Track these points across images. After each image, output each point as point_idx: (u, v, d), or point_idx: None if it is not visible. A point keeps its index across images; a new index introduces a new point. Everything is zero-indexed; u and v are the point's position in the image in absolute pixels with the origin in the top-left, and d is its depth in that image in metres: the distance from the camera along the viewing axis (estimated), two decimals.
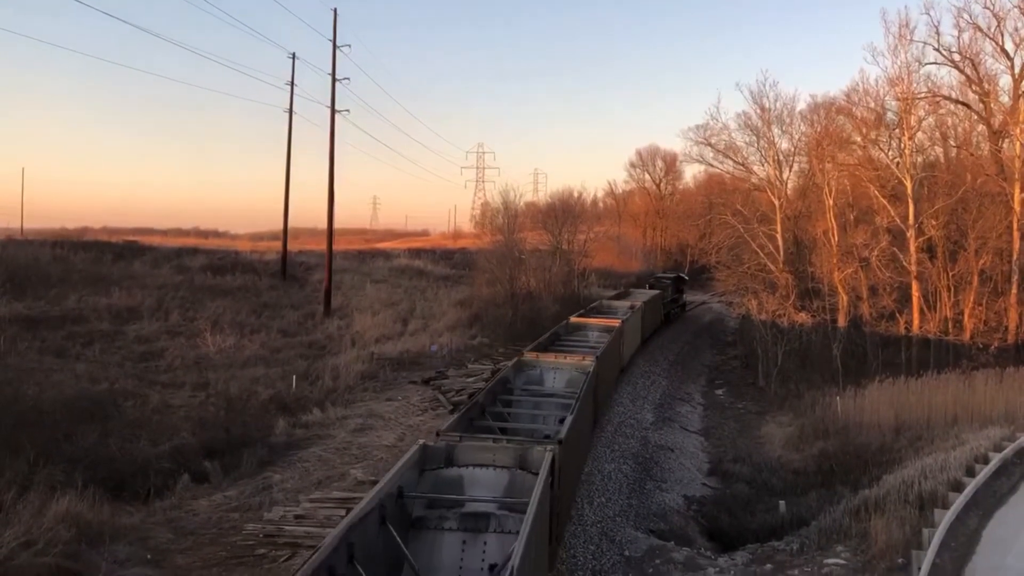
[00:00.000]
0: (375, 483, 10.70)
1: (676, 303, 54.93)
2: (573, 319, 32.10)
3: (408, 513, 10.79)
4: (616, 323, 30.68)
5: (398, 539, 9.80)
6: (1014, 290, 34.73)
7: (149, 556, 14.60)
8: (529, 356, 21.93)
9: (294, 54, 50.25)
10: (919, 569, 13.94)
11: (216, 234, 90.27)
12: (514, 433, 15.59)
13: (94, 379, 26.11)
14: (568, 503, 15.42)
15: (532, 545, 8.94)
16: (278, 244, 54.47)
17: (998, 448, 21.08)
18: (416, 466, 11.51)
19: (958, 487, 18.22)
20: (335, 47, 44.02)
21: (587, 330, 30.63)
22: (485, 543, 10.57)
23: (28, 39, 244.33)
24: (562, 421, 15.31)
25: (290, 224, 52.95)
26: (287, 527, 15.97)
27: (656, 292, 48.10)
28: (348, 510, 12.21)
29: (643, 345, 40.36)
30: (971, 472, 19.28)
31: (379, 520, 9.62)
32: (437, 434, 12.45)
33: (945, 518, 16.06)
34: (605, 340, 27.18)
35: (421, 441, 11.81)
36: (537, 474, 10.86)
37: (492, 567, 10.09)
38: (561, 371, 21.13)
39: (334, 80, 44.26)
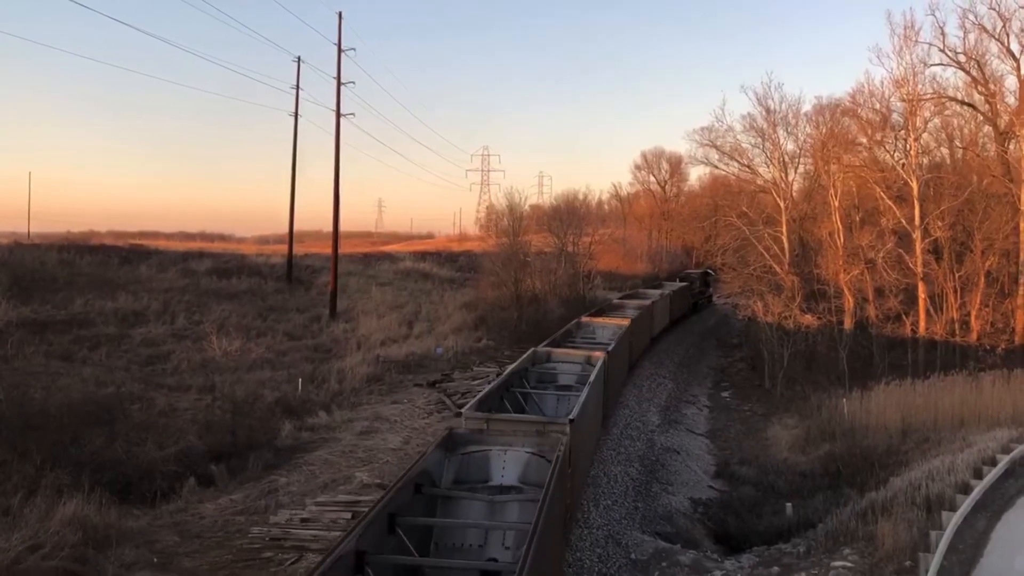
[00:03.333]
0: (381, 486, 11.21)
1: (703, 295, 62.07)
2: (616, 299, 43.39)
3: (438, 489, 11.92)
4: (648, 303, 41.08)
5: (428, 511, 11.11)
6: (1021, 291, 34.66)
7: (156, 559, 14.61)
8: (586, 319, 32.85)
9: (299, 58, 50.43)
10: (926, 572, 13.89)
11: (222, 237, 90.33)
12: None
13: (100, 383, 26.15)
14: (583, 472, 16.93)
15: (551, 513, 9.72)
16: (284, 247, 54.52)
17: (1006, 450, 21.01)
18: (443, 447, 12.63)
19: (966, 489, 18.16)
20: (340, 51, 44.12)
21: (625, 308, 39.52)
22: (506, 516, 11.46)
23: (36, 44, 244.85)
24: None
25: (296, 227, 53.07)
26: (293, 530, 15.97)
27: (684, 284, 57.62)
28: (354, 513, 12.46)
29: (672, 325, 49.28)
30: (979, 474, 19.21)
31: (413, 493, 10.74)
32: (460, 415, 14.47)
33: (952, 520, 15.99)
34: (637, 313, 36.73)
35: (449, 427, 13.26)
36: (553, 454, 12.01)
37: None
38: (608, 328, 31.60)
39: (339, 84, 44.37)
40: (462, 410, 15.18)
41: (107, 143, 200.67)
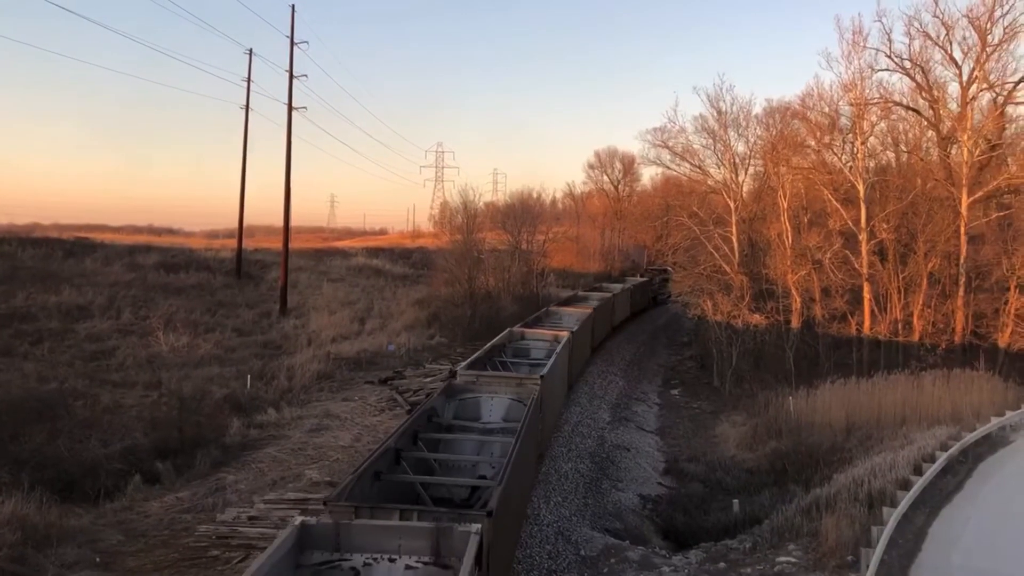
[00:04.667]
0: (332, 484, 11.82)
1: (663, 291, 63.90)
2: (581, 292, 46.88)
3: (440, 426, 15.78)
4: (608, 295, 44.91)
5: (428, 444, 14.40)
6: (961, 292, 35.48)
7: (98, 559, 14.35)
8: (554, 308, 37.32)
9: (251, 50, 49.88)
10: (867, 566, 14.21)
11: (170, 231, 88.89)
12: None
13: (43, 378, 25.61)
14: (551, 422, 22.09)
15: (526, 444, 13.49)
16: (233, 242, 53.81)
17: (944, 447, 21.56)
18: (445, 393, 17.23)
19: (906, 486, 18.60)
20: (292, 44, 43.70)
21: (590, 299, 42.51)
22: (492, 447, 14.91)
23: None
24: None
25: (246, 222, 52.48)
26: (241, 528, 15.81)
27: (645, 280, 61.64)
28: (303, 511, 12.38)
29: (632, 316, 53.82)
30: (919, 471, 19.69)
31: (427, 421, 14.92)
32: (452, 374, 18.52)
33: (893, 516, 16.38)
34: (599, 303, 40.75)
35: (447, 376, 17.88)
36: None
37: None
38: (573, 315, 34.95)
39: (291, 77, 43.90)
40: (457, 368, 19.00)
41: (50, 134, 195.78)
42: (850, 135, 39.80)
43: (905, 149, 43.02)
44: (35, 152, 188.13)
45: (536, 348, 27.02)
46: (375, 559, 9.08)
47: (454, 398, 17.27)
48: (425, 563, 9.04)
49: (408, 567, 9.02)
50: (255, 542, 15.05)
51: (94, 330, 34.23)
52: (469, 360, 21.01)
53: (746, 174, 46.31)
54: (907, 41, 38.99)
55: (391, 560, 9.06)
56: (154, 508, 17.30)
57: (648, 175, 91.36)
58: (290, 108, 43.89)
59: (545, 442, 21.10)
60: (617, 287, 51.65)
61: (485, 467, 14.17)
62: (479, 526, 9.06)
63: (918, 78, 39.15)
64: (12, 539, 13.81)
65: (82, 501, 17.50)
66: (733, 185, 43.80)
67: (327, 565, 9.02)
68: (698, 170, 46.95)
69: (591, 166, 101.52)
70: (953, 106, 39.33)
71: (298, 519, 9.16)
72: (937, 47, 38.23)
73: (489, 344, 24.88)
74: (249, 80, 49.65)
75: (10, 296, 36.36)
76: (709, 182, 46.03)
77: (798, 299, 38.23)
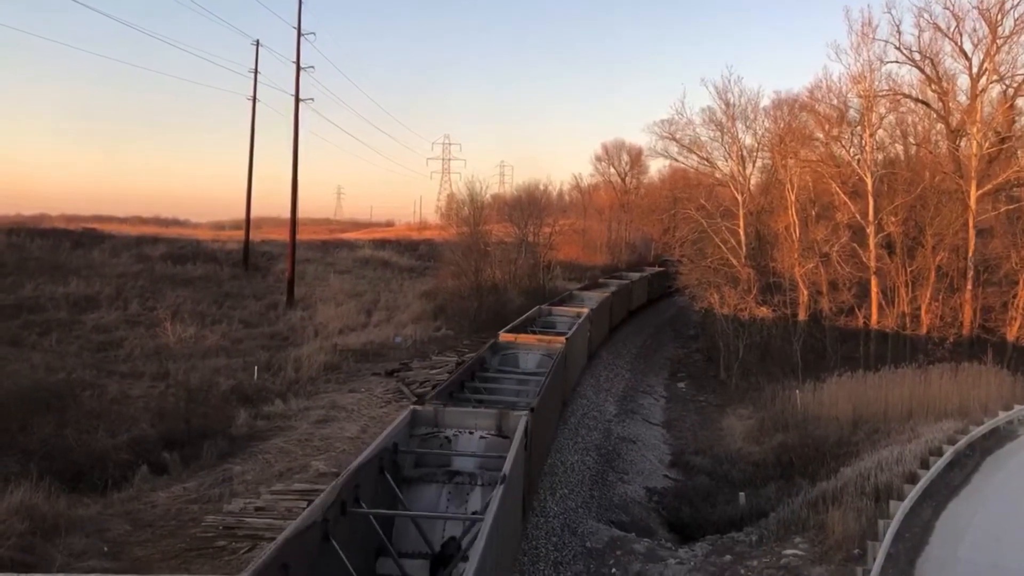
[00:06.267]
0: (337, 475, 11.12)
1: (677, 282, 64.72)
2: (601, 279, 51.58)
3: (487, 371, 16.67)
4: (626, 282, 50.63)
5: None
6: (969, 286, 35.36)
7: (106, 548, 14.41)
8: (577, 291, 42.18)
9: (258, 41, 49.88)
10: (874, 559, 14.19)
11: (177, 223, 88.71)
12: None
13: (51, 369, 25.69)
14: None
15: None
16: (240, 233, 53.87)
17: (952, 441, 21.51)
18: (490, 349, 19.57)
19: (913, 479, 18.57)
20: (299, 34, 43.69)
21: (608, 285, 47.50)
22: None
23: None
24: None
25: (253, 213, 52.50)
26: (247, 519, 15.85)
27: (662, 269, 63.14)
28: (309, 502, 12.41)
29: (648, 303, 57.77)
30: (926, 464, 19.65)
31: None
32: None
33: (900, 509, 16.36)
34: (617, 287, 46.52)
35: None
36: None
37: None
38: (593, 298, 38.84)
39: (298, 68, 43.91)
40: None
41: (59, 125, 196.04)
42: (858, 128, 39.67)
43: (914, 142, 42.86)
44: (43, 144, 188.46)
45: (561, 322, 31.52)
46: (459, 432, 13.33)
47: (497, 353, 22.81)
48: (492, 435, 13.28)
49: (481, 436, 13.28)
50: (261, 532, 15.09)
51: (102, 321, 34.32)
52: (508, 327, 25.78)
53: (754, 167, 46.21)
54: (916, 33, 38.87)
55: (470, 433, 13.33)
56: (161, 498, 17.36)
57: (655, 167, 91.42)
58: (297, 99, 43.93)
59: (567, 393, 25.79)
60: (635, 275, 56.67)
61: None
62: (526, 413, 13.45)
63: (927, 70, 38.96)
64: (21, 528, 13.88)
65: (90, 491, 17.57)
66: (740, 178, 43.68)
67: (430, 434, 13.33)
68: (705, 162, 46.87)
69: (598, 158, 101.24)
70: (963, 98, 39.16)
71: (410, 407, 13.71)
72: (947, 39, 38.03)
73: (522, 317, 29.79)
74: (256, 71, 49.66)
75: (18, 287, 36.47)
76: (716, 175, 45.94)
77: (805, 292, 38.15)
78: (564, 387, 23.99)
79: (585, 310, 32.38)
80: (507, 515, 11.07)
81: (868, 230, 36.63)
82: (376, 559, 10.58)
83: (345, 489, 9.69)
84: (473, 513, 11.41)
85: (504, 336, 24.04)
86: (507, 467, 10.80)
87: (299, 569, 7.74)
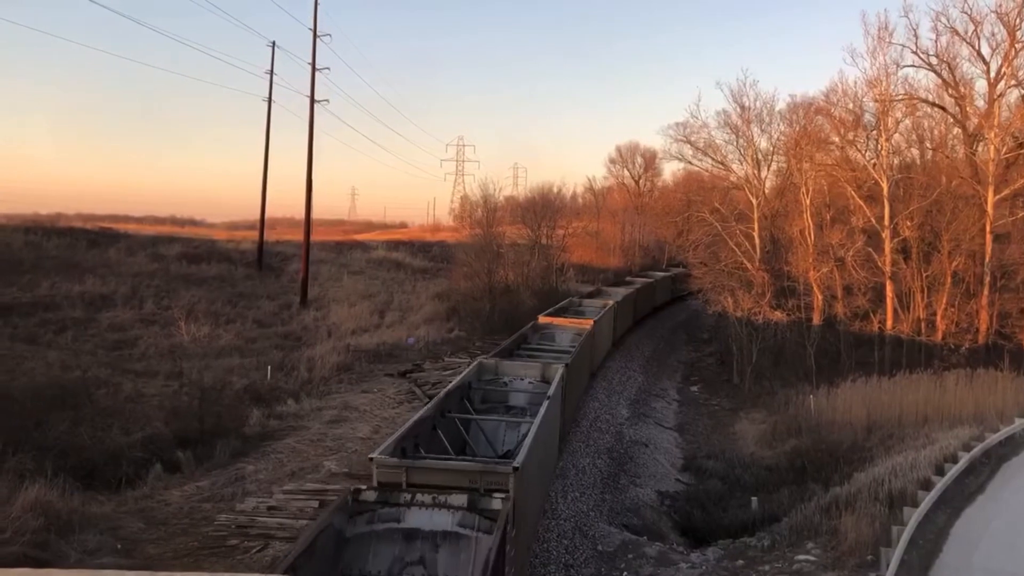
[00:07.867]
0: (350, 475, 11.88)
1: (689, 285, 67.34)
2: (628, 278, 57.01)
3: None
4: (650, 280, 56.35)
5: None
6: (985, 292, 35.09)
7: (119, 546, 14.48)
8: (605, 288, 47.53)
9: (274, 43, 50.02)
10: (887, 566, 14.11)
11: (192, 222, 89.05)
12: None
13: (66, 367, 25.85)
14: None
15: (584, 348, 23.78)
16: (255, 234, 54.04)
17: (967, 448, 21.36)
18: (532, 328, 26.73)
19: (927, 486, 18.45)
20: (315, 36, 43.80)
21: (634, 283, 52.56)
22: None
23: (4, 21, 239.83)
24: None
25: (267, 214, 52.68)
26: (260, 518, 15.91)
27: (684, 270, 63.43)
28: (321, 501, 12.48)
29: (671, 301, 61.98)
30: (940, 471, 19.52)
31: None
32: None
33: (914, 516, 16.25)
34: (643, 284, 52.27)
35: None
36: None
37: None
38: (618, 293, 44.16)
39: (314, 69, 44.05)
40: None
41: (76, 124, 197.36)
42: (874, 132, 39.45)
43: (930, 146, 42.58)
44: (59, 143, 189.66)
45: (590, 310, 35.67)
46: (513, 379, 18.75)
47: (537, 332, 28.64)
48: (537, 381, 18.45)
49: (530, 382, 18.56)
50: (274, 532, 15.15)
51: (117, 320, 34.53)
52: (546, 311, 32.18)
53: (769, 170, 46.05)
54: (934, 37, 38.54)
55: (521, 379, 18.65)
56: (174, 497, 17.44)
57: (669, 170, 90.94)
58: (312, 101, 44.07)
59: (595, 367, 31.20)
60: (659, 274, 62.42)
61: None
62: (563, 365, 18.79)
63: (944, 74, 38.72)
64: (35, 525, 13.95)
65: (104, 489, 17.65)
66: (755, 181, 43.53)
67: (491, 382, 18.73)
68: (720, 166, 46.71)
69: (612, 161, 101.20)
70: (980, 103, 38.87)
71: (479, 358, 20.09)
72: (964, 43, 37.78)
73: (558, 304, 35.74)
74: (272, 72, 49.88)
75: (35, 285, 36.74)
76: (731, 178, 45.79)
77: (820, 296, 37.97)
78: (592, 362, 29.46)
79: (611, 302, 37.71)
80: (548, 428, 15.02)
81: (883, 235, 36.42)
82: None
83: (445, 402, 15.27)
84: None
85: (543, 319, 30.05)
86: (550, 391, 16.16)
87: (420, 441, 12.86)
